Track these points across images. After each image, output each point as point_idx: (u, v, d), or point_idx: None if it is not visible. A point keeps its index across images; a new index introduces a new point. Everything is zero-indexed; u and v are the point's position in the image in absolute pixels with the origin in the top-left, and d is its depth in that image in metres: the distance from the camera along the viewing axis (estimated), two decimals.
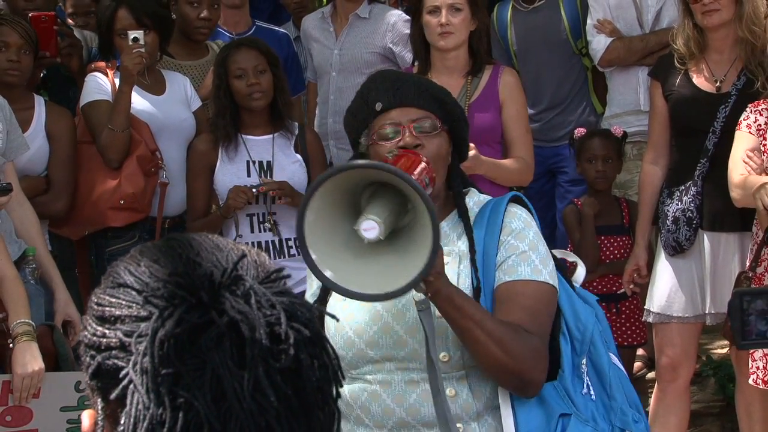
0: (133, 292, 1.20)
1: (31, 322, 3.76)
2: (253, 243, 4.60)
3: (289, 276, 1.22)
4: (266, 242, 4.64)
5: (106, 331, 1.20)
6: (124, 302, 1.20)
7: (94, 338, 1.22)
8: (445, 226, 2.68)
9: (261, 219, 4.67)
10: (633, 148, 5.31)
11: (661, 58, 4.74)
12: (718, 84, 4.47)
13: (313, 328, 1.20)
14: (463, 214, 2.66)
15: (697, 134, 4.45)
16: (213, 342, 1.15)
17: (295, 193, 4.60)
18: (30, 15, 4.94)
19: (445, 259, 2.59)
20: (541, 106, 5.61)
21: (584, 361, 2.70)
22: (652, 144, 4.70)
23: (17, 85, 4.61)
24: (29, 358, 3.68)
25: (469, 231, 2.64)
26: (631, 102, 5.39)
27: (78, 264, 4.97)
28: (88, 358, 1.23)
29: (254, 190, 4.59)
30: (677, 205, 4.45)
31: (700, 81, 4.49)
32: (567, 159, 5.47)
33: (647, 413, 4.78)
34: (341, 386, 1.23)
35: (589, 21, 5.44)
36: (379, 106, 2.65)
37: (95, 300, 1.24)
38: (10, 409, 3.71)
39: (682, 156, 4.54)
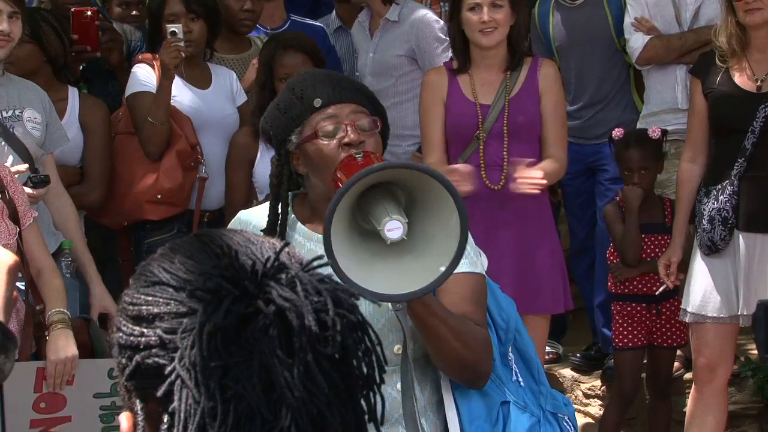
0: (170, 289, 1.19)
1: (66, 311, 3.77)
2: None
3: (328, 263, 1.22)
4: None
5: (144, 330, 1.19)
6: (161, 300, 1.19)
7: (132, 338, 1.20)
8: None
9: None
10: (671, 147, 5.27)
11: (702, 56, 4.71)
12: (759, 83, 4.43)
13: (357, 313, 1.20)
14: None
15: (736, 133, 4.42)
16: (260, 332, 1.14)
17: None
18: (72, 10, 4.97)
19: None
20: (582, 103, 5.59)
21: (510, 349, 2.76)
22: (690, 142, 4.67)
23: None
24: (63, 345, 3.69)
25: None
26: (669, 100, 5.36)
27: (120, 253, 5.00)
28: (124, 360, 1.22)
29: None
30: (713, 204, 4.41)
31: (741, 80, 4.46)
32: (607, 157, 5.44)
33: (684, 414, 4.76)
34: (384, 372, 1.23)
35: (626, 19, 5.41)
36: (318, 103, 2.63)
37: (128, 300, 1.23)
38: (45, 396, 3.72)
39: (719, 155, 4.51)
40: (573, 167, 5.55)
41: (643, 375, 5.21)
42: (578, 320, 5.97)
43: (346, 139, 2.60)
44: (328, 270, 1.27)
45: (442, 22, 5.56)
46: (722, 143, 4.50)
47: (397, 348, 2.59)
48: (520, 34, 4.62)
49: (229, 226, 2.79)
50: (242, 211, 2.83)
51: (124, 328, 1.22)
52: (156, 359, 1.18)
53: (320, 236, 2.62)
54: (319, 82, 2.68)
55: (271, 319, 1.14)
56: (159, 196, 4.75)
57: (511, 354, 2.75)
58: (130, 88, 4.88)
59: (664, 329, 5.04)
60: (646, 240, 5.05)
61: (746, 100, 4.41)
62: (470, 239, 2.62)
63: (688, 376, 5.20)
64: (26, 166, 3.99)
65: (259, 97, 4.72)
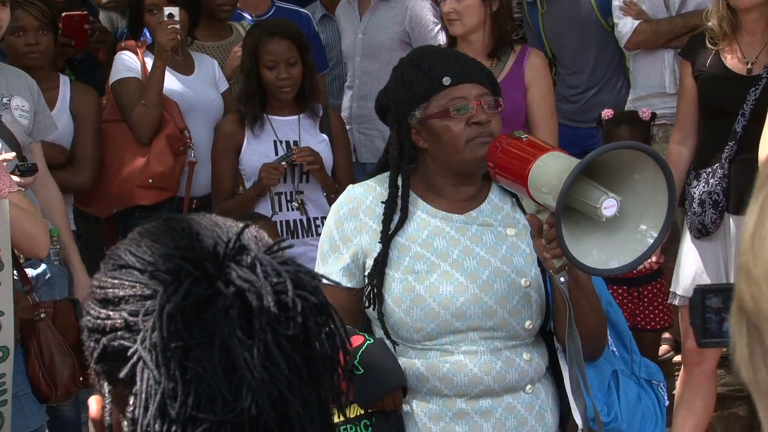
0: (136, 272, 1.20)
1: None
2: (281, 222, 4.63)
3: (291, 246, 1.22)
4: (294, 221, 4.65)
5: (111, 313, 1.20)
6: (127, 283, 1.20)
7: (98, 321, 1.21)
8: (494, 198, 2.81)
9: (289, 198, 4.68)
10: (659, 131, 5.27)
11: (693, 38, 4.70)
12: (749, 66, 4.42)
13: (320, 295, 1.20)
14: None
15: (726, 116, 4.41)
16: (221, 313, 1.14)
17: (323, 163, 4.62)
18: (63, 15, 5.08)
19: (512, 231, 2.75)
20: (578, 87, 5.59)
21: None
22: (679, 124, 4.67)
23: (40, 66, 4.63)
24: None
25: (519, 203, 2.80)
26: (657, 84, 5.34)
27: (107, 243, 5.00)
28: (92, 343, 1.22)
29: (283, 162, 4.60)
30: (703, 187, 4.41)
31: (731, 62, 4.45)
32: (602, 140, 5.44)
33: (673, 396, 4.77)
34: (348, 354, 1.24)
35: (615, 2, 5.40)
36: (447, 81, 2.71)
37: (96, 284, 1.23)
38: None
39: (709, 138, 4.51)
40: (570, 151, 5.51)
41: None
42: None
43: (475, 119, 2.70)
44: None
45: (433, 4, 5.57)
46: (712, 126, 4.50)
47: (528, 323, 2.71)
48: (504, 21, 4.61)
49: (341, 199, 2.86)
50: (351, 186, 2.91)
51: (92, 312, 1.22)
52: (121, 342, 1.18)
53: (444, 213, 2.76)
54: (447, 60, 2.76)
55: (231, 300, 1.15)
56: (150, 181, 4.75)
57: None
58: (115, 75, 4.89)
59: (647, 311, 5.05)
60: None
61: (737, 83, 4.41)
62: None
63: (677, 358, 5.22)
64: (13, 154, 3.98)
65: (244, 85, 4.73)
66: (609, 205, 2.39)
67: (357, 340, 2.69)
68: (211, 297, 1.15)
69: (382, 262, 2.72)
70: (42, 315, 3.80)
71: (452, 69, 2.73)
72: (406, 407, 2.76)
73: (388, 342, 2.77)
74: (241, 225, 1.24)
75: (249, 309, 1.15)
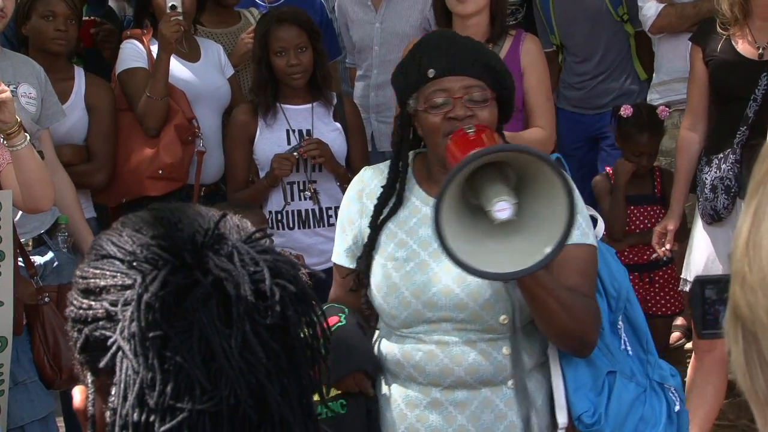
0: (117, 262, 1.20)
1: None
2: (293, 211, 4.63)
3: (271, 235, 1.22)
4: (306, 211, 4.65)
5: (92, 303, 1.20)
6: (108, 272, 1.20)
7: (80, 311, 1.21)
8: None
9: (301, 187, 4.67)
10: (680, 116, 5.24)
11: (703, 23, 4.68)
12: (760, 51, 4.39)
13: (299, 284, 1.19)
14: None
15: (738, 101, 4.39)
16: (199, 302, 1.14)
17: (332, 155, 4.61)
18: None
19: None
20: (587, 76, 5.57)
21: (620, 318, 2.82)
22: (690, 110, 4.64)
23: (63, 54, 4.66)
24: None
25: None
26: (680, 69, 5.30)
27: None
28: (75, 333, 1.23)
29: (295, 153, 4.59)
30: (715, 172, 4.39)
31: (742, 47, 4.42)
32: (610, 125, 5.43)
33: (684, 383, 4.76)
34: (329, 342, 1.23)
35: None
36: (431, 73, 2.67)
37: (79, 274, 1.24)
38: None
39: (721, 123, 4.48)
40: (576, 138, 5.52)
41: None
42: None
43: (451, 114, 2.64)
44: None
45: None
46: (724, 111, 4.48)
47: (503, 318, 2.65)
48: (502, 6, 4.59)
49: (353, 181, 2.89)
50: (366, 167, 2.92)
51: (75, 302, 1.23)
52: (103, 332, 1.18)
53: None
54: (437, 51, 2.71)
55: (209, 289, 1.14)
56: (160, 172, 4.75)
57: (620, 323, 2.81)
58: (122, 65, 4.88)
59: (658, 297, 5.03)
60: (634, 211, 5.05)
61: (748, 68, 4.38)
62: (582, 209, 2.68)
63: (688, 345, 5.21)
64: None
65: (256, 73, 4.72)
66: (501, 208, 2.29)
67: (331, 321, 2.69)
68: (189, 286, 1.15)
69: (369, 246, 2.73)
70: (46, 299, 3.81)
71: (439, 61, 2.68)
72: (385, 390, 2.76)
73: (378, 326, 2.78)
74: (221, 213, 1.24)
75: (227, 298, 1.15)
